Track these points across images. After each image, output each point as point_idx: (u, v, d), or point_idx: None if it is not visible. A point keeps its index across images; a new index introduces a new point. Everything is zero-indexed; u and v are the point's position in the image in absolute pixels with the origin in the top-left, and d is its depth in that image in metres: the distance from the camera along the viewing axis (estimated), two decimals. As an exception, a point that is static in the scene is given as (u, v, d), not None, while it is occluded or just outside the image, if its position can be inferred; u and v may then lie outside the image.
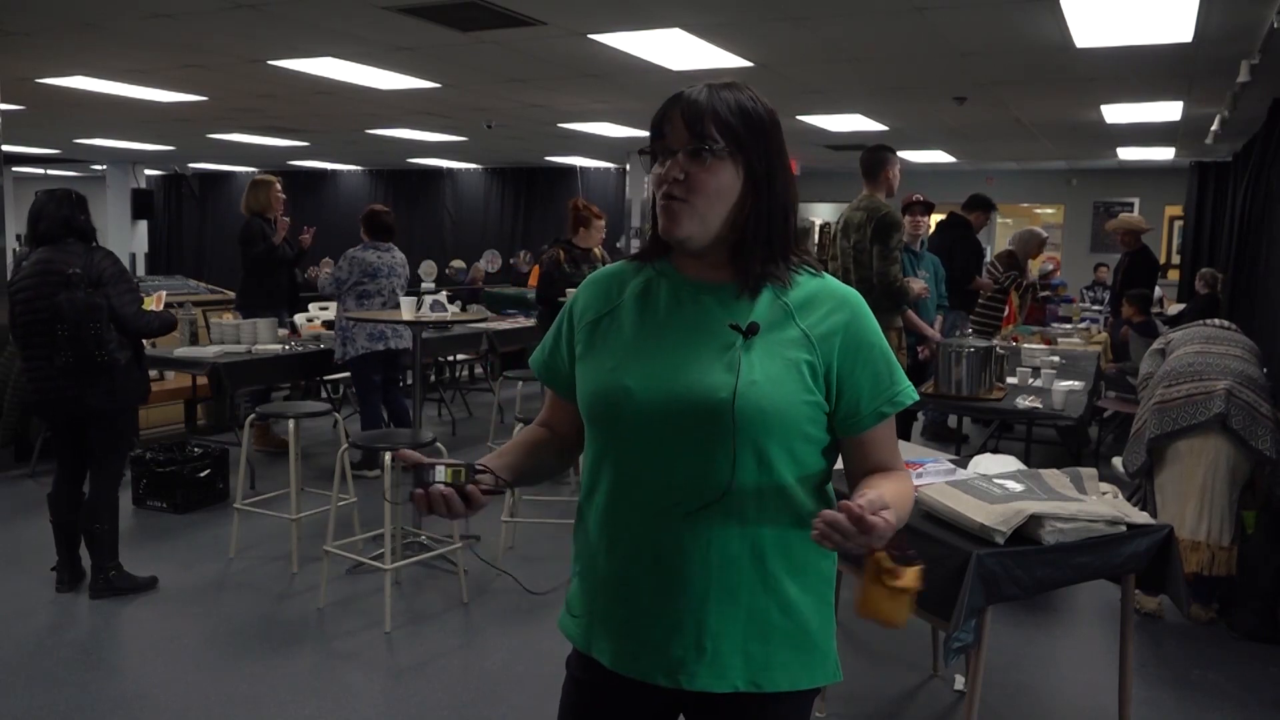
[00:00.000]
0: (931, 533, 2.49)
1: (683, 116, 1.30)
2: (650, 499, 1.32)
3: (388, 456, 3.73)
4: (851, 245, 4.60)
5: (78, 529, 3.94)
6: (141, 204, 15.44)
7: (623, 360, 1.35)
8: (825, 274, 1.40)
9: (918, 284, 4.73)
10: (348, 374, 6.33)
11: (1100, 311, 9.72)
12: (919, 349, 5.30)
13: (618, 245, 12.44)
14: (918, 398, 1.40)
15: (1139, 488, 4.10)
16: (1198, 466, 3.74)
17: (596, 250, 6.25)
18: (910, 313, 5.00)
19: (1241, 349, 3.95)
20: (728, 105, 1.30)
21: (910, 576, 1.14)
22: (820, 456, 1.36)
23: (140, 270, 14.86)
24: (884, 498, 1.19)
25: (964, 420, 6.80)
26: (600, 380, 1.36)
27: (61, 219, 3.75)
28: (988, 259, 7.87)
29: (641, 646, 1.35)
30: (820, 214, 15.27)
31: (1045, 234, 7.75)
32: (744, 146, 1.31)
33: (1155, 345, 4.32)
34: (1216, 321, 4.27)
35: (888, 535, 1.15)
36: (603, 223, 6.02)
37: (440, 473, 1.29)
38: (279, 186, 6.29)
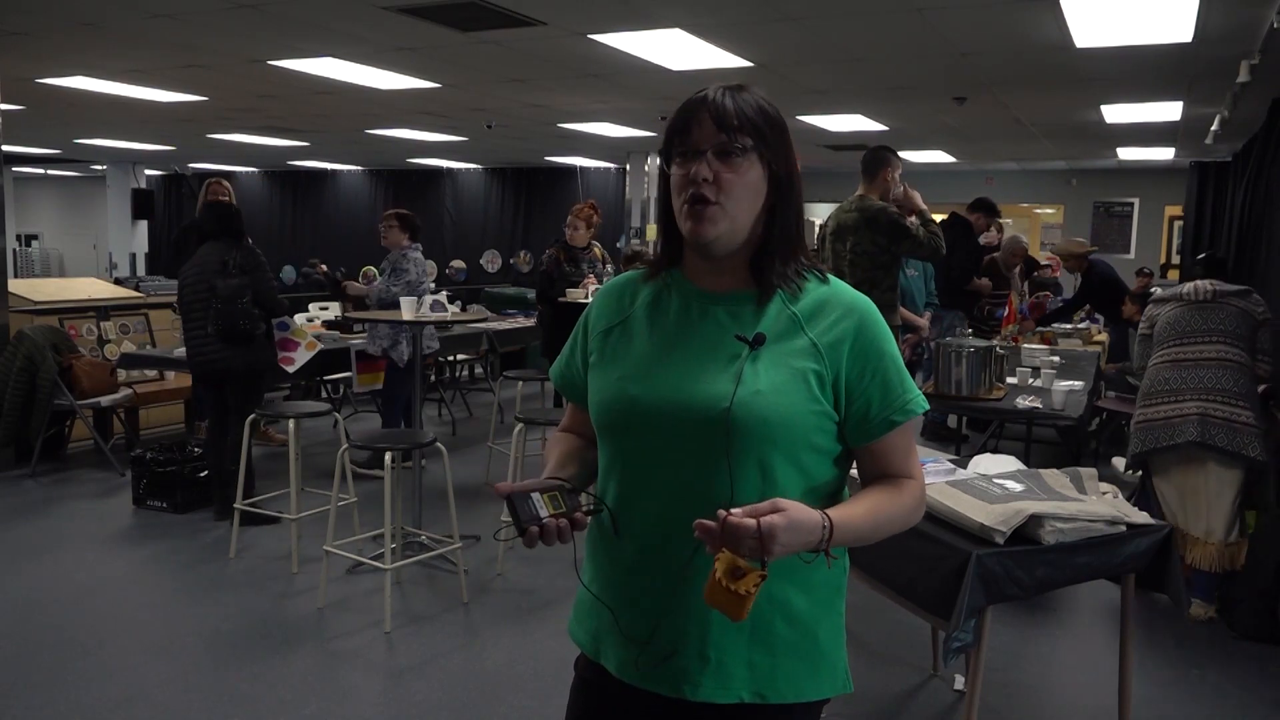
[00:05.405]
0: (931, 533, 2.49)
1: (711, 116, 1.29)
2: (655, 509, 1.32)
3: (388, 457, 3.73)
4: (848, 249, 4.51)
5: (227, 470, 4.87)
6: (141, 204, 15.41)
7: (631, 370, 1.36)
8: (833, 278, 1.38)
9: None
10: (348, 374, 6.32)
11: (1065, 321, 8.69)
12: (904, 339, 5.27)
13: (617, 245, 12.43)
14: (928, 406, 1.39)
15: (1140, 487, 4.11)
16: (1190, 475, 3.82)
17: (596, 249, 6.26)
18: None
19: (1216, 348, 3.85)
20: (749, 106, 1.31)
21: (745, 583, 1.14)
22: (831, 467, 1.35)
23: (140, 270, 14.86)
24: (783, 506, 1.16)
25: (964, 420, 6.81)
26: (608, 390, 1.37)
27: (222, 227, 4.95)
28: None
29: (646, 656, 1.34)
30: (820, 214, 15.26)
31: (1025, 242, 7.94)
32: (769, 146, 1.32)
33: (1141, 329, 4.24)
34: (1206, 288, 3.97)
35: (747, 539, 1.13)
36: (584, 223, 6.03)
37: (538, 501, 1.29)
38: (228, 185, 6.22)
